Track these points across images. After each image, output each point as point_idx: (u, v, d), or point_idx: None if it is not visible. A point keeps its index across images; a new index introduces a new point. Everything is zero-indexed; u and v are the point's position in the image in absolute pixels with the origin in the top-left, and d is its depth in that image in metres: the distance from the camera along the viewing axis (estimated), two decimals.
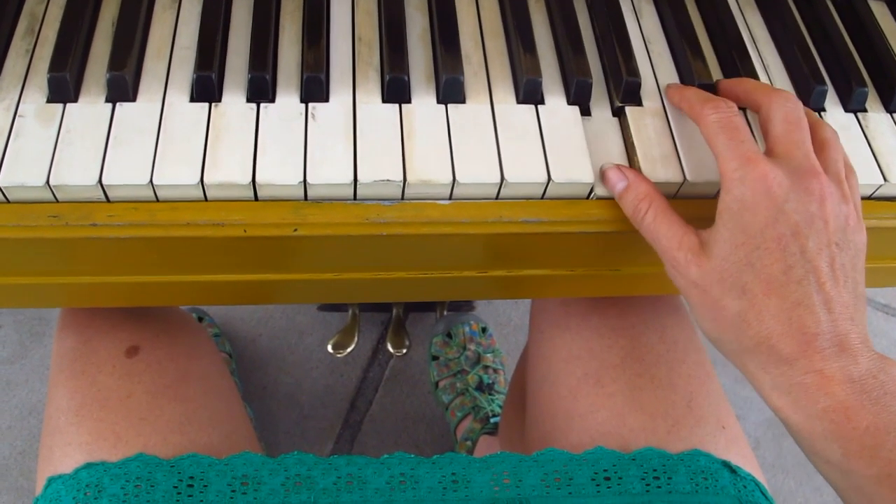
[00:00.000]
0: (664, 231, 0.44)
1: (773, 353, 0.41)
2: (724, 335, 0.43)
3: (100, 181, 0.43)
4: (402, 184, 0.45)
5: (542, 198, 0.48)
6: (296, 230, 0.45)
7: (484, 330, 1.31)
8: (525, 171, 0.47)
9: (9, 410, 1.24)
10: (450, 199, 0.47)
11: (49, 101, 0.47)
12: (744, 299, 0.42)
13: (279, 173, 0.44)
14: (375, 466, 0.55)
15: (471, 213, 0.47)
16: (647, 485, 0.55)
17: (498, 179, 0.46)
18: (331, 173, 0.45)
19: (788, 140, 0.44)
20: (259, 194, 0.45)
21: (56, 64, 0.47)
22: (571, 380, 0.64)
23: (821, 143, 0.46)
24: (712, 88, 0.53)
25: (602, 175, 0.48)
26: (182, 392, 0.61)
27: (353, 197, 0.46)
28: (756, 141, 0.45)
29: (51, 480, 0.55)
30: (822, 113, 0.55)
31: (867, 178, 0.51)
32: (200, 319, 1.29)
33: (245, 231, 0.45)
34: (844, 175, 0.44)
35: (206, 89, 0.47)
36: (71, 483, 0.54)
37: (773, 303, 0.41)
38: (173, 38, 0.50)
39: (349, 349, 1.17)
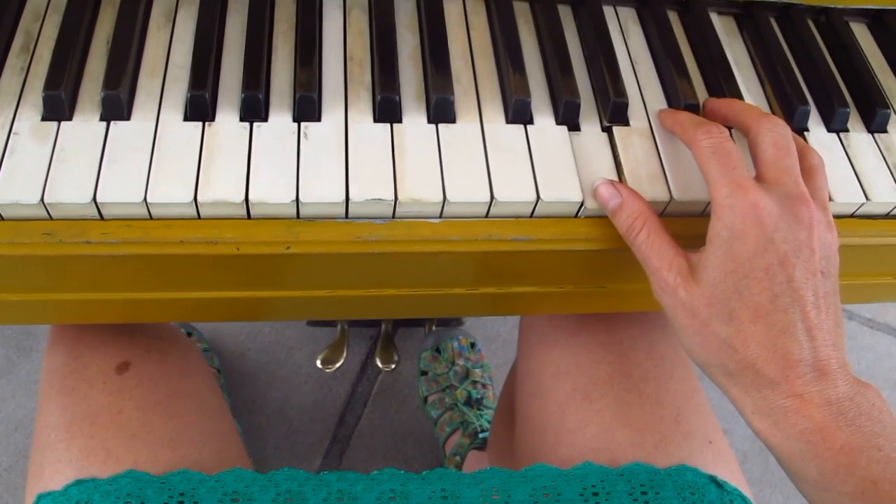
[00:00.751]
0: (656, 251, 0.45)
1: (757, 377, 0.42)
2: (709, 358, 0.44)
3: (94, 199, 0.44)
4: (393, 202, 0.46)
5: (531, 216, 0.49)
6: (288, 248, 0.46)
7: (473, 345, 1.31)
8: (514, 190, 0.48)
9: None
10: (440, 217, 0.48)
11: (44, 118, 0.47)
12: (731, 325, 0.43)
13: (272, 192, 0.45)
14: (366, 482, 0.55)
15: (461, 231, 0.47)
16: (635, 500, 0.55)
17: (488, 198, 0.47)
18: (323, 192, 0.45)
19: (778, 166, 0.45)
20: (252, 212, 0.46)
21: (51, 82, 0.47)
22: (560, 395, 0.65)
23: (808, 169, 0.47)
24: (699, 108, 0.54)
25: (594, 190, 0.48)
26: (173, 408, 0.61)
27: (344, 215, 0.47)
28: (747, 166, 0.46)
29: (40, 497, 0.55)
30: (805, 133, 0.56)
31: (849, 196, 0.52)
32: (189, 334, 1.29)
33: (238, 249, 0.45)
34: (828, 203, 0.46)
35: (200, 108, 0.48)
36: (61, 500, 0.54)
37: (760, 330, 0.42)
38: (167, 58, 0.51)
39: (338, 364, 1.17)
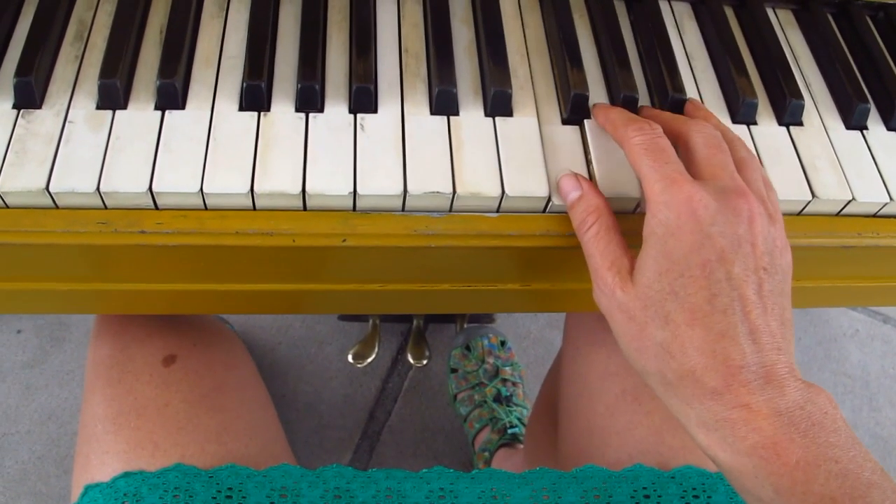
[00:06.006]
0: (602, 248, 0.43)
1: (698, 386, 0.39)
2: (647, 366, 0.41)
3: (150, 188, 0.43)
4: (451, 196, 0.45)
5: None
6: (344, 241, 0.45)
7: (503, 343, 1.31)
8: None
9: (28, 415, 1.24)
10: (497, 211, 0.47)
11: (98, 107, 0.47)
12: (667, 329, 0.40)
13: (329, 183, 0.44)
14: (414, 480, 0.55)
15: (518, 226, 0.47)
16: (687, 503, 0.55)
17: (546, 193, 0.46)
18: (381, 184, 0.45)
19: (712, 163, 0.43)
20: (308, 204, 0.45)
21: (106, 70, 0.47)
22: (608, 397, 0.64)
23: (739, 162, 0.44)
24: (756, 107, 0.52)
25: (557, 182, 0.47)
26: (219, 402, 0.60)
27: (401, 208, 0.46)
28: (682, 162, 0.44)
29: (88, 488, 0.55)
30: (865, 131, 0.54)
31: None
32: None
33: (294, 241, 0.45)
34: (766, 193, 0.43)
35: (256, 98, 0.47)
36: (108, 492, 0.53)
37: (697, 334, 0.39)
38: (221, 47, 0.50)
39: (369, 359, 1.17)
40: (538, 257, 0.49)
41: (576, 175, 0.46)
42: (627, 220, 0.47)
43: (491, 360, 1.28)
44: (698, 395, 0.39)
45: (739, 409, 0.38)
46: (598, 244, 0.43)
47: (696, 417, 0.40)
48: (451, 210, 0.46)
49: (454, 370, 1.29)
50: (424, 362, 1.17)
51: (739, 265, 0.39)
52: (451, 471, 0.56)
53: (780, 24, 0.60)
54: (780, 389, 0.38)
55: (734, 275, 0.39)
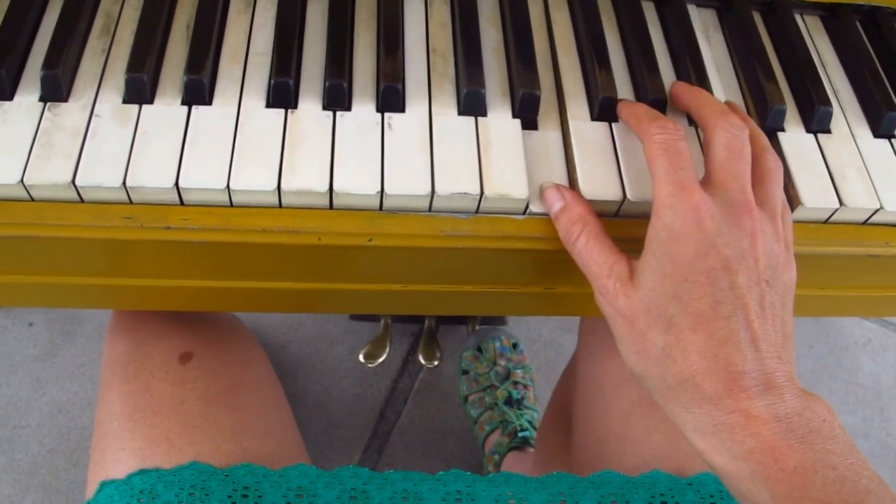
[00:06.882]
0: (595, 256, 0.43)
1: (698, 391, 0.39)
2: (648, 370, 0.41)
3: (176, 184, 0.43)
4: (478, 197, 0.45)
5: (615, 215, 0.48)
6: (370, 240, 0.45)
7: (515, 346, 1.30)
8: (601, 189, 0.46)
9: (38, 408, 1.23)
10: (524, 213, 0.47)
11: (125, 101, 0.46)
12: (670, 333, 0.40)
13: (357, 182, 0.44)
14: (431, 483, 0.55)
15: (546, 229, 0.46)
16: None
17: None
18: (408, 184, 0.44)
19: (726, 170, 0.42)
20: (335, 203, 0.45)
21: (134, 64, 0.46)
22: (624, 403, 0.63)
23: (761, 173, 0.44)
24: (784, 114, 0.52)
25: (540, 193, 0.47)
26: (235, 401, 0.60)
27: (428, 209, 0.46)
28: (697, 169, 0.43)
29: (103, 485, 0.55)
30: (893, 140, 0.54)
31: None
32: None
33: (320, 239, 0.44)
34: (780, 210, 0.43)
35: (284, 95, 0.47)
36: (124, 488, 0.53)
37: (700, 338, 0.39)
38: (248, 43, 0.50)
39: (381, 359, 1.16)
40: (564, 260, 0.48)
41: (558, 186, 0.46)
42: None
43: (502, 362, 1.27)
44: (697, 400, 0.39)
45: (738, 415, 0.38)
46: (590, 252, 0.43)
47: (693, 422, 0.40)
48: (477, 211, 0.46)
49: (465, 372, 1.29)
50: (435, 363, 1.16)
51: (743, 276, 0.40)
52: (468, 473, 0.55)
53: (807, 30, 0.60)
54: (780, 396, 0.38)
55: (738, 284, 0.40)
